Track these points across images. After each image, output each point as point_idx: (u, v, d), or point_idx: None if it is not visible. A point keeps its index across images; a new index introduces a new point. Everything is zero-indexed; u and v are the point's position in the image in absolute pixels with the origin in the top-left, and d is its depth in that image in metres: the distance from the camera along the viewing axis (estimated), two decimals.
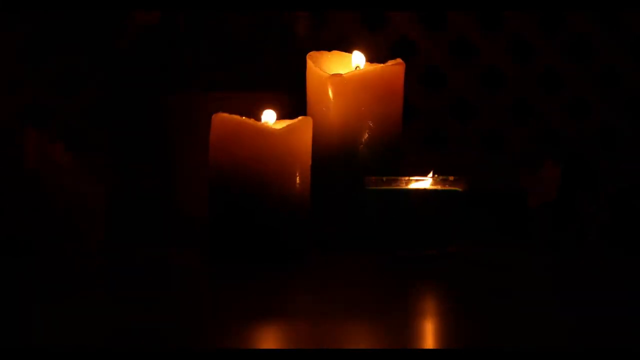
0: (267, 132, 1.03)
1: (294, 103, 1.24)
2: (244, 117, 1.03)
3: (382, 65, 1.15)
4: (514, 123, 1.50)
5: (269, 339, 0.66)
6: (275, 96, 1.30)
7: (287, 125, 1.04)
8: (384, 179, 1.04)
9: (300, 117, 1.06)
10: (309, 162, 1.05)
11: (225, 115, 1.03)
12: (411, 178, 1.03)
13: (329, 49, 1.19)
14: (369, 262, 1.06)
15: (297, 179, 1.04)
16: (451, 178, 1.03)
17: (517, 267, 1.06)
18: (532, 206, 1.22)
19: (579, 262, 1.08)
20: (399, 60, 1.16)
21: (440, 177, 1.03)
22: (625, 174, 1.45)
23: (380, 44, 1.48)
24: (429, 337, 0.68)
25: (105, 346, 0.63)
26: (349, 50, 1.20)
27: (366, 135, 1.14)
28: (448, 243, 1.04)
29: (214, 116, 1.04)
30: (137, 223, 1.36)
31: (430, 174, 1.03)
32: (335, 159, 1.14)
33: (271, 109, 1.08)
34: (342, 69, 1.17)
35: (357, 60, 1.17)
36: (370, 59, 1.18)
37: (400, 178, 1.04)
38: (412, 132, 1.49)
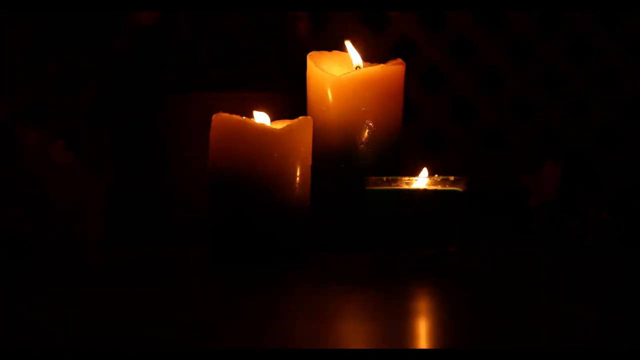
0: (267, 132, 1.03)
1: (294, 103, 1.24)
2: (244, 117, 1.03)
3: (382, 65, 1.15)
4: (514, 123, 1.50)
5: (269, 339, 0.66)
6: (275, 96, 1.30)
7: (287, 125, 1.04)
8: (384, 179, 1.04)
9: (300, 117, 1.06)
10: (309, 162, 1.05)
11: (225, 115, 1.03)
12: (412, 178, 1.03)
13: (329, 49, 1.19)
14: (369, 262, 1.06)
15: (297, 179, 1.03)
16: (451, 178, 1.03)
17: (517, 266, 1.06)
18: (533, 205, 1.22)
19: (579, 262, 1.08)
20: (399, 60, 1.16)
21: (440, 177, 1.03)
22: (625, 174, 1.45)
23: (381, 44, 1.49)
24: (428, 337, 0.68)
25: (105, 346, 0.63)
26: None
27: (366, 135, 1.14)
28: (448, 243, 1.04)
29: (214, 116, 1.04)
30: (137, 223, 1.37)
31: (424, 173, 1.03)
32: (335, 159, 1.14)
33: (271, 109, 1.08)
34: (342, 69, 1.16)
35: (351, 53, 1.16)
36: (371, 59, 1.18)
37: (400, 178, 1.04)
38: (412, 132, 1.49)
